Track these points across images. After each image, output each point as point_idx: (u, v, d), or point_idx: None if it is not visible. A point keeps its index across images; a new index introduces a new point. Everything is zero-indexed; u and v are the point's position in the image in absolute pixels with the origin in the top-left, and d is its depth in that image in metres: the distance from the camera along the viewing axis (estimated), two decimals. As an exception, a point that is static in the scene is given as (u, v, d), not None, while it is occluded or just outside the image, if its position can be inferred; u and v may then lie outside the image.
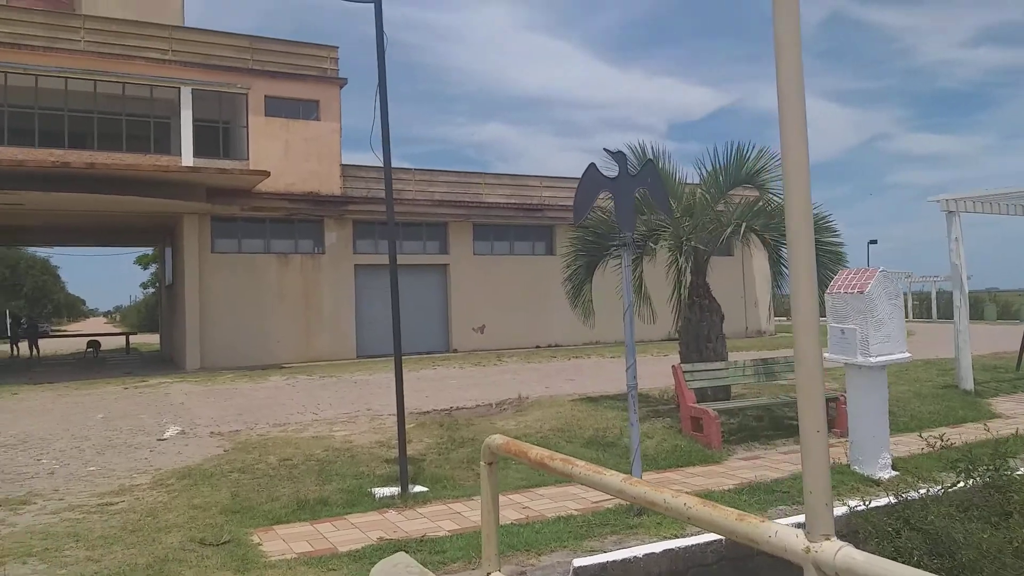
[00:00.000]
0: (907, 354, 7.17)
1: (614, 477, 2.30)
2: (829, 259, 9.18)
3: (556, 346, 24.78)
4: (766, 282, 29.60)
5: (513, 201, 24.86)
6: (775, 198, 9.35)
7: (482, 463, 2.99)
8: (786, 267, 9.06)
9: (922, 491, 6.18)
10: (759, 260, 28.45)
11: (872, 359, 6.77)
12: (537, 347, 24.56)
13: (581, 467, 2.47)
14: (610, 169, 6.11)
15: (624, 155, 6.02)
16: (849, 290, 6.91)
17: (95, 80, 19.77)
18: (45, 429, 10.53)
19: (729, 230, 8.90)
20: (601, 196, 6.18)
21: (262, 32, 22.54)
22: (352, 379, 16.00)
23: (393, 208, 6.91)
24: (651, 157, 6.10)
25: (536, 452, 2.72)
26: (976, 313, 35.03)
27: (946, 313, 36.88)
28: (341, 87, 23.23)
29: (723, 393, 9.74)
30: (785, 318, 43.39)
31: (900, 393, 11.68)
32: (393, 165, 24.27)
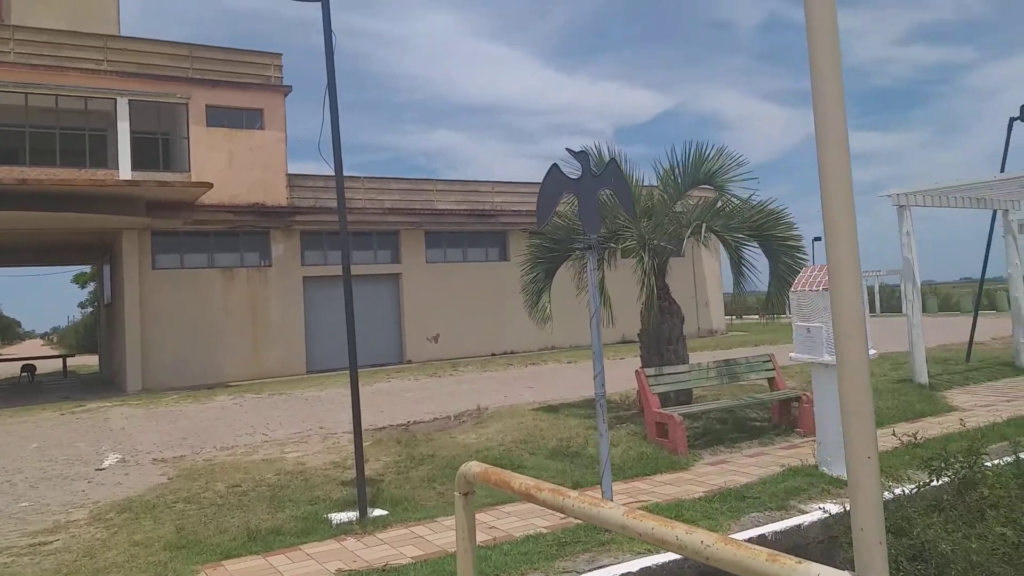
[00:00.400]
0: (873, 351, 7.08)
1: (614, 511, 2.02)
2: (789, 256, 9.11)
3: (512, 353, 24.52)
4: (716, 281, 29.90)
5: (465, 207, 24.56)
6: (733, 199, 9.25)
7: (456, 493, 2.68)
8: (747, 268, 8.97)
9: (897, 491, 6.07)
10: (708, 260, 28.71)
11: (839, 358, 6.65)
12: (493, 355, 24.27)
13: (574, 499, 2.18)
14: (572, 170, 5.88)
15: (587, 155, 5.80)
16: (813, 287, 6.79)
17: (26, 93, 18.87)
18: (-27, 462, 9.85)
19: (690, 230, 8.75)
20: (562, 199, 5.94)
21: (202, 41, 21.91)
22: (303, 396, 15.48)
23: (346, 217, 6.56)
24: (613, 157, 5.88)
25: (520, 482, 2.42)
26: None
27: (889, 307, 37.70)
28: (286, 95, 22.65)
29: (685, 396, 9.59)
30: (733, 317, 44.00)
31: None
32: (346, 175, 23.71)
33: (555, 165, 5.71)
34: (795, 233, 9.09)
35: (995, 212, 13.70)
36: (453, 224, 24.55)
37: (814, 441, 8.70)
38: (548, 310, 10.39)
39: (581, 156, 5.80)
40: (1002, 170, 13.36)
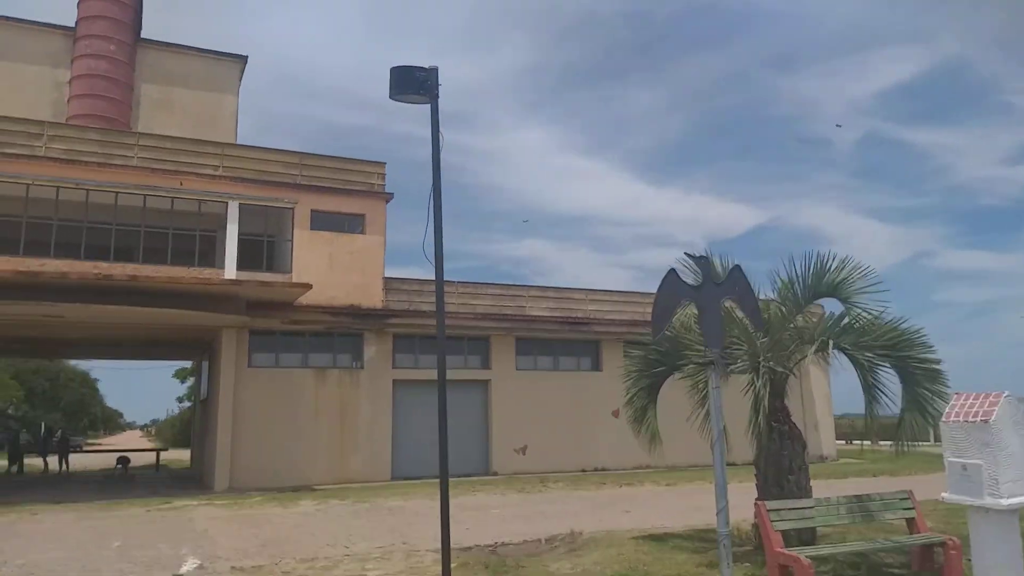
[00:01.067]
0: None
1: None
2: (926, 379, 8.15)
3: (603, 470, 23.37)
4: (826, 402, 28.08)
5: (557, 315, 24.18)
6: (863, 314, 8.44)
7: None
8: (880, 389, 8.06)
9: None
10: (818, 379, 27.07)
11: (1003, 501, 5.66)
12: (583, 471, 23.19)
13: None
14: (691, 277, 5.35)
15: (708, 260, 5.28)
16: (970, 419, 5.89)
17: (145, 195, 19.94)
18: (55, 558, 9.64)
19: (814, 347, 7.98)
20: (679, 309, 5.38)
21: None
22: (387, 505, 14.90)
23: (444, 318, 6.18)
24: (737, 264, 5.34)
25: None
26: None
27: None
28: (387, 202, 23.23)
29: (809, 535, 8.52)
30: (844, 441, 41.22)
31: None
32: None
33: (672, 271, 5.19)
34: (934, 356, 8.16)
35: None
36: (545, 331, 24.13)
37: (968, 600, 7.53)
38: (654, 428, 9.62)
39: (702, 261, 5.28)
40: None
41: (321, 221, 22.23)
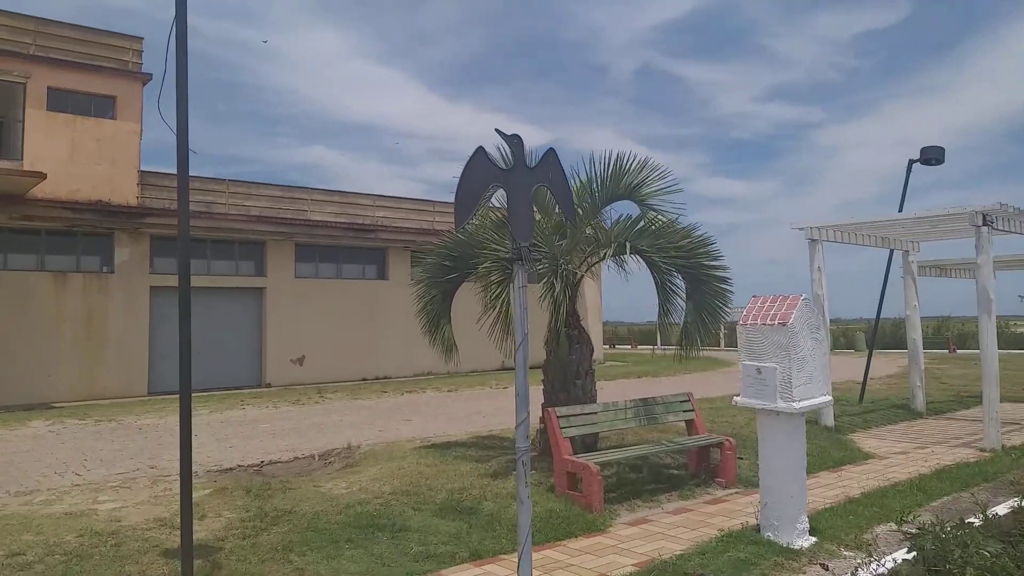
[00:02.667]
0: (829, 397, 6.12)
1: None
2: (715, 288, 8.12)
3: (386, 378, 22.77)
4: (597, 310, 29.28)
5: (342, 220, 22.73)
6: (660, 216, 8.19)
7: None
8: (677, 294, 7.90)
9: (873, 567, 5.04)
10: (589, 287, 28.02)
11: (796, 404, 5.61)
12: (364, 380, 22.43)
13: None
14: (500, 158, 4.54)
15: (521, 139, 4.46)
16: (768, 321, 5.75)
17: None
18: None
19: (611, 250, 7.60)
20: (487, 195, 4.56)
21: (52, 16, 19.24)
22: (137, 423, 13.20)
23: (188, 194, 4.88)
24: (551, 148, 4.62)
25: None
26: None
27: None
28: (145, 84, 20.19)
29: (592, 439, 8.39)
30: (609, 346, 43.93)
31: (763, 432, 10.93)
32: (208, 176, 21.12)
33: (481, 149, 4.34)
34: (722, 263, 8.12)
35: (891, 252, 13.50)
36: (328, 237, 22.63)
37: (737, 493, 7.74)
38: (450, 337, 8.97)
39: (514, 140, 4.47)
40: (900, 210, 13.18)
41: (61, 101, 18.91)
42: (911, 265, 12.92)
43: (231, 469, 8.87)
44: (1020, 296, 17.97)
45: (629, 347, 47.88)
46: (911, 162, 13.73)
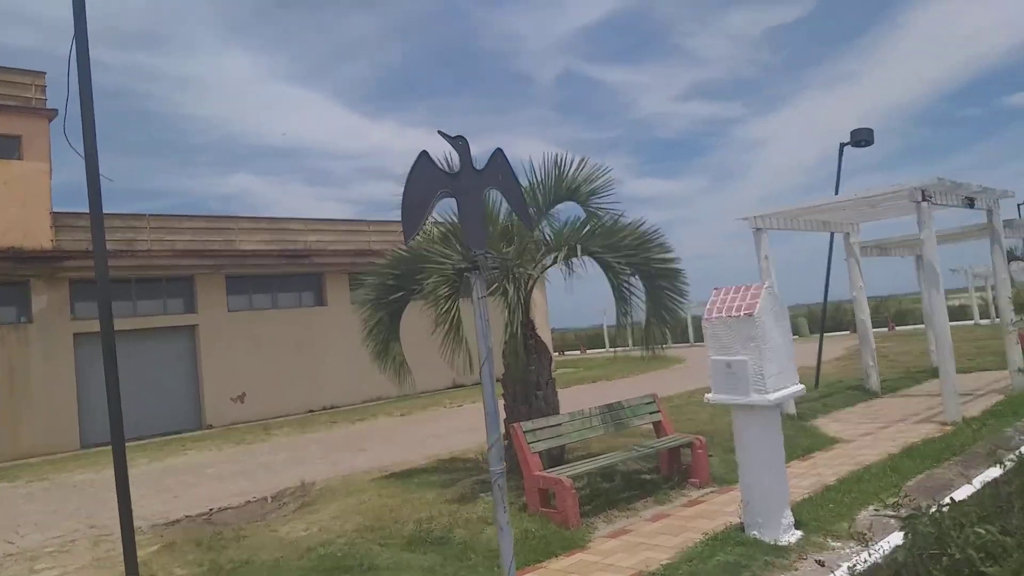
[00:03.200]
0: (800, 386, 5.95)
1: None
2: (666, 278, 7.93)
3: (333, 408, 22.05)
4: (544, 315, 28.98)
5: (274, 248, 21.97)
6: (605, 216, 7.97)
7: None
8: (634, 293, 7.68)
9: (863, 558, 4.86)
10: (537, 295, 27.81)
11: (769, 396, 5.42)
12: (311, 411, 21.67)
13: None
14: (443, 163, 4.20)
15: (467, 141, 4.14)
16: (734, 313, 5.54)
17: None
18: None
19: (562, 254, 7.33)
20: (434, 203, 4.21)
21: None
22: (72, 481, 12.34)
23: (103, 231, 4.42)
24: (499, 148, 4.30)
25: None
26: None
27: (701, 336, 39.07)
28: (51, 120, 19.18)
29: (559, 452, 8.09)
30: (558, 353, 43.81)
31: (727, 426, 10.82)
32: (127, 212, 20.03)
33: (425, 153, 4.00)
34: (673, 255, 7.94)
35: (832, 235, 13.64)
36: (260, 266, 21.83)
37: (713, 492, 7.54)
38: (400, 360, 8.55)
39: (460, 142, 4.14)
40: (836, 193, 13.32)
41: (-39, 145, 17.82)
42: (853, 247, 13.06)
43: (178, 521, 8.24)
44: (952, 269, 18.39)
45: (578, 352, 47.90)
46: (843, 145, 13.92)
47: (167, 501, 9.57)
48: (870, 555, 4.95)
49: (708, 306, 5.82)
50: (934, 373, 15.40)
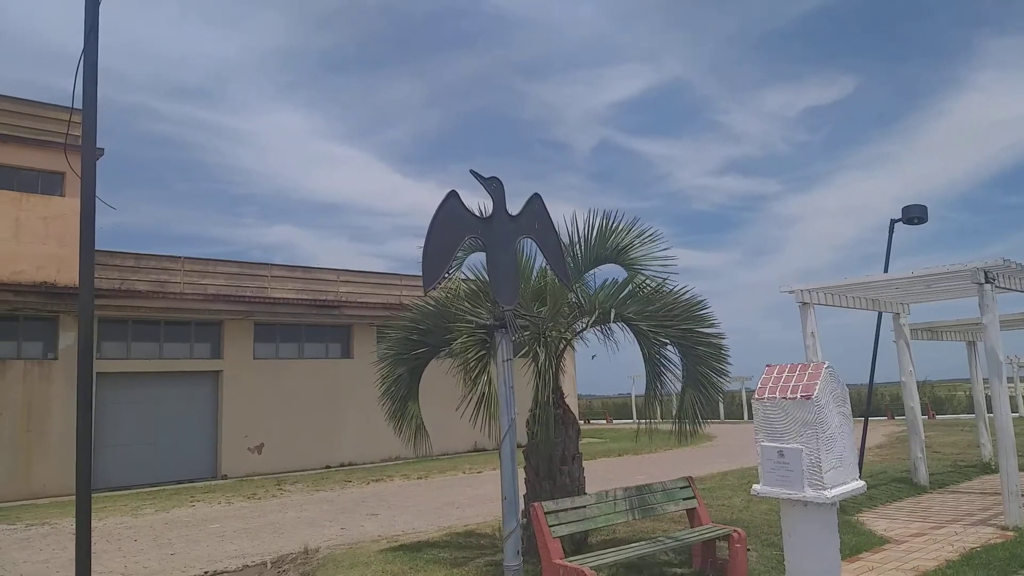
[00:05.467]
0: (862, 483, 5.30)
1: None
2: (709, 353, 7.34)
3: (350, 465, 21.43)
4: (572, 383, 28.23)
5: (304, 296, 21.74)
6: (649, 281, 7.45)
7: None
8: (665, 365, 7.12)
9: None
10: (566, 361, 27.15)
11: (827, 492, 4.78)
12: (327, 467, 21.06)
13: None
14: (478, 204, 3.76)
15: (500, 182, 3.71)
16: (790, 395, 4.96)
17: None
18: None
19: (593, 318, 6.82)
20: (459, 252, 3.75)
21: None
22: (72, 528, 11.84)
23: (92, 239, 4.01)
24: (536, 193, 3.87)
25: None
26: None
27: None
28: (96, 159, 19.33)
29: (582, 536, 7.42)
30: (584, 421, 42.71)
31: (762, 515, 10.03)
32: (162, 254, 19.92)
33: (454, 193, 3.59)
34: (717, 330, 7.37)
35: (880, 315, 12.93)
36: (289, 315, 21.59)
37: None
38: (418, 421, 8.02)
39: (493, 184, 3.72)
40: (886, 271, 12.67)
41: (6, 178, 18.00)
42: (903, 328, 12.33)
43: (169, 583, 7.69)
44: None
45: (604, 422, 46.70)
46: (893, 221, 13.32)
47: (163, 559, 9.02)
48: None
49: (760, 384, 5.23)
50: (984, 468, 14.46)
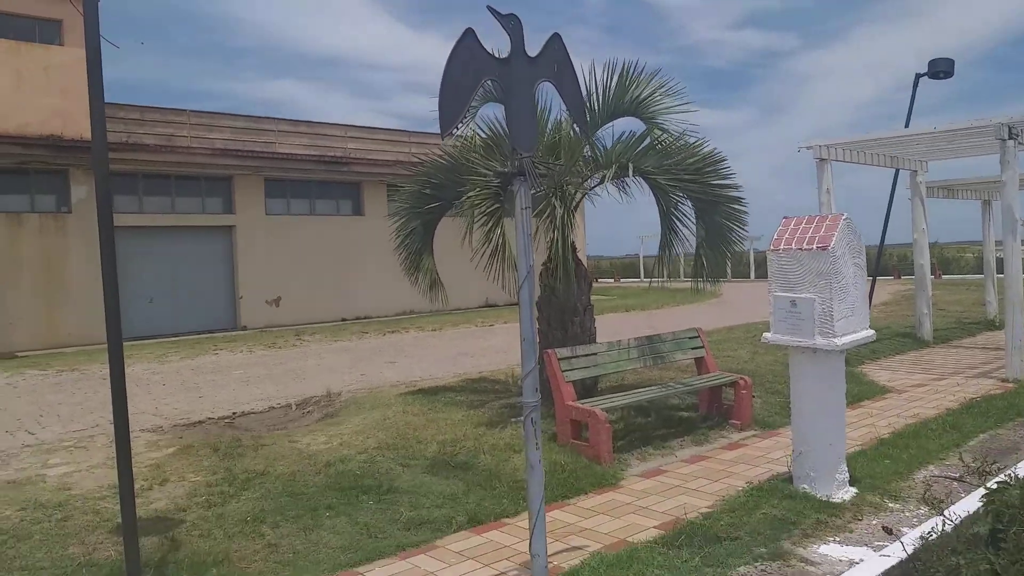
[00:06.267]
0: (871, 332, 5.42)
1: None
2: (727, 211, 7.32)
3: (366, 318, 21.99)
4: (581, 240, 28.35)
5: (312, 152, 21.53)
6: (667, 134, 7.31)
7: None
8: (683, 221, 7.12)
9: (934, 525, 4.41)
10: (578, 217, 27.13)
11: (837, 340, 4.90)
12: (343, 320, 21.64)
13: None
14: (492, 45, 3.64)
15: (519, 19, 3.57)
16: (806, 246, 4.98)
17: None
18: None
19: (612, 171, 6.74)
20: (477, 95, 3.67)
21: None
22: (103, 373, 12.34)
23: (101, 82, 3.94)
24: (556, 33, 3.73)
25: None
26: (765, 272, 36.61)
27: (763, 272, 39.23)
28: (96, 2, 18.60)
29: (592, 383, 7.70)
30: (594, 279, 43.27)
31: (767, 365, 10.34)
32: (167, 107, 19.54)
33: (471, 31, 3.46)
34: (734, 182, 7.30)
35: (896, 173, 12.77)
36: (298, 171, 21.47)
37: (755, 436, 7.13)
38: (433, 273, 8.15)
39: (512, 21, 3.58)
40: (907, 127, 12.39)
41: (2, 27, 17.41)
42: (919, 186, 12.19)
43: (200, 423, 8.11)
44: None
45: (612, 281, 47.30)
46: (918, 76, 12.89)
47: (192, 401, 9.46)
48: (942, 524, 4.50)
49: (776, 236, 5.25)
50: (988, 325, 14.72)
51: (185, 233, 19.78)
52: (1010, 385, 8.76)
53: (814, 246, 4.95)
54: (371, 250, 21.78)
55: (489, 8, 3.52)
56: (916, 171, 12.15)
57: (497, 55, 3.64)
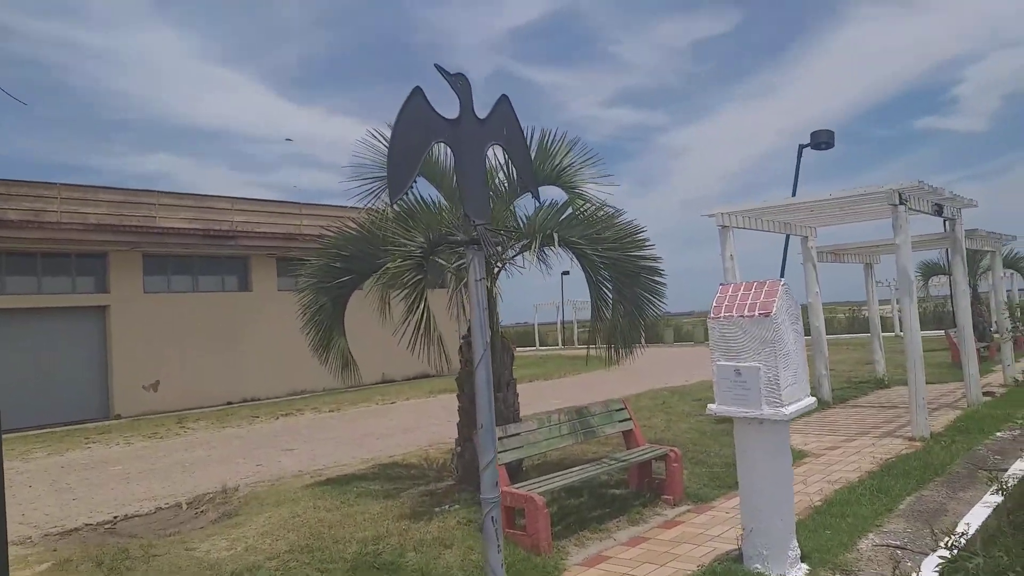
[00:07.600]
0: (813, 399, 5.32)
1: None
2: (647, 283, 7.23)
3: (254, 400, 20.71)
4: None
5: (197, 227, 20.44)
6: (588, 203, 7.19)
7: None
8: (608, 291, 6.96)
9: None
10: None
11: (785, 410, 4.76)
12: (230, 403, 20.28)
13: None
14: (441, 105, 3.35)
15: (467, 79, 3.31)
16: (747, 312, 4.86)
17: None
18: None
19: (537, 240, 6.52)
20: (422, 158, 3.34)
21: None
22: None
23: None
24: (504, 95, 3.49)
25: None
26: (654, 337, 37.63)
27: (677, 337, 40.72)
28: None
29: (517, 464, 7.29)
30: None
31: (684, 433, 10.25)
32: (35, 181, 18.25)
33: (419, 91, 3.15)
34: (654, 252, 7.24)
35: (787, 239, 13.28)
36: (181, 246, 20.27)
37: (689, 511, 6.88)
38: (345, 351, 7.59)
39: (460, 81, 3.31)
40: (794, 195, 12.96)
41: None
42: (810, 251, 12.69)
43: (76, 530, 7.10)
44: (878, 281, 18.44)
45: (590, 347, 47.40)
46: (802, 147, 13.59)
47: (65, 504, 8.36)
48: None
49: (715, 304, 5.12)
50: (879, 384, 15.34)
51: (53, 314, 18.16)
52: (918, 444, 8.97)
53: (756, 312, 4.84)
54: (259, 328, 20.74)
55: (437, 67, 3.25)
56: (807, 236, 12.67)
57: (447, 117, 3.35)
